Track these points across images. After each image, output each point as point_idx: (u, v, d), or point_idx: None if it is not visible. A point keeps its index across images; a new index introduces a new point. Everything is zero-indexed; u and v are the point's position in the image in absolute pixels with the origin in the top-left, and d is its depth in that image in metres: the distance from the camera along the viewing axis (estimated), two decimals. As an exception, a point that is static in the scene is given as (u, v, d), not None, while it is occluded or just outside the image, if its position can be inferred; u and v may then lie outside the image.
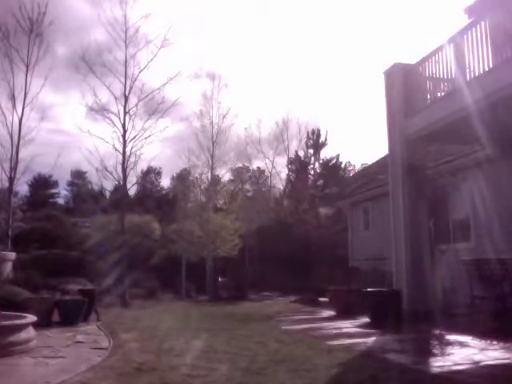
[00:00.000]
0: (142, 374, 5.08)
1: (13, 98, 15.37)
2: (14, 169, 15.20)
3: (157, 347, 6.66)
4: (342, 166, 36.62)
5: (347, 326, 9.13)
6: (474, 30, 7.92)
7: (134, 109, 16.74)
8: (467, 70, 8.16)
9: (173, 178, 38.06)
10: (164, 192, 44.48)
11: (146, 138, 16.68)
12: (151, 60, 16.78)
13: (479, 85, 7.68)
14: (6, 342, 6.07)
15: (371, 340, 7.41)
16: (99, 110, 16.73)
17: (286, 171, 35.30)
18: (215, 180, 21.95)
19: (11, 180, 15.25)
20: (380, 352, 6.39)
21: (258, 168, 37.03)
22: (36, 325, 7.06)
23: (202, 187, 21.58)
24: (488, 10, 7.97)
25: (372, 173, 17.87)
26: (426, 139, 9.73)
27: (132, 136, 16.56)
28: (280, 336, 7.75)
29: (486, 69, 7.66)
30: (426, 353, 6.42)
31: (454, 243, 11.25)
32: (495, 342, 6.66)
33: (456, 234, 11.49)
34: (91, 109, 16.83)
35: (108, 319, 10.14)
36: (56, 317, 9.57)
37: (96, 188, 36.16)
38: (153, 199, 39.03)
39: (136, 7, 16.92)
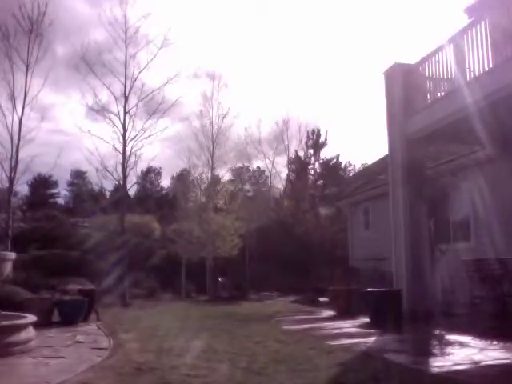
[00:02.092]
0: (142, 374, 5.08)
1: (13, 98, 15.36)
2: (13, 169, 15.19)
3: (157, 347, 6.66)
4: (342, 166, 36.66)
5: (347, 326, 9.14)
6: (474, 29, 7.92)
7: (134, 109, 16.76)
8: (467, 70, 8.16)
9: (173, 178, 38.10)
10: (164, 192, 44.54)
11: (145, 138, 16.69)
12: (151, 60, 16.78)
13: (479, 85, 7.68)
14: (6, 342, 6.08)
15: (371, 340, 7.41)
16: (99, 110, 16.75)
17: (286, 171, 35.31)
18: (215, 180, 21.89)
19: (11, 180, 15.24)
20: (380, 352, 6.39)
21: (258, 168, 37.03)
22: (36, 325, 7.06)
23: (202, 187, 21.53)
24: (488, 10, 7.97)
25: (372, 173, 17.85)
26: (426, 139, 9.73)
27: (132, 136, 16.58)
28: (280, 336, 7.75)
29: (486, 69, 7.66)
30: (425, 353, 6.41)
31: (454, 243, 11.24)
32: (495, 342, 6.66)
33: (456, 234, 11.49)
34: (91, 109, 16.86)
35: (108, 319, 10.14)
36: (56, 317, 9.57)
37: (96, 188, 36.23)
38: (153, 199, 39.09)
39: (136, 7, 16.93)
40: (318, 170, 35.01)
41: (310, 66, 48.54)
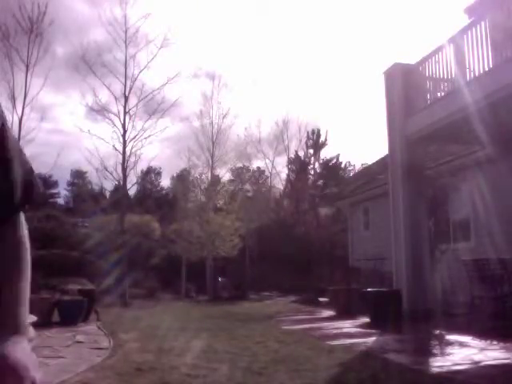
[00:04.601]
0: (142, 374, 5.08)
1: (13, 98, 15.34)
2: (13, 169, 15.18)
3: (157, 347, 6.66)
4: (342, 166, 36.64)
5: (347, 326, 9.13)
6: (473, 29, 7.92)
7: (134, 109, 16.81)
8: (467, 70, 8.16)
9: (173, 178, 38.04)
10: (164, 192, 44.50)
11: (145, 138, 16.76)
12: (151, 60, 16.85)
13: (479, 85, 7.68)
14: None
15: (371, 340, 7.41)
16: (99, 110, 16.79)
17: (286, 171, 35.30)
18: (215, 180, 21.92)
19: (11, 180, 15.23)
20: (380, 352, 6.39)
21: (258, 168, 37.00)
22: (36, 325, 7.05)
23: (202, 187, 21.55)
24: (488, 10, 7.97)
25: (372, 173, 17.86)
26: (426, 139, 9.73)
27: (132, 136, 16.64)
28: (280, 336, 7.75)
29: (486, 69, 7.66)
30: (425, 353, 6.41)
31: (454, 243, 11.25)
32: (495, 342, 6.65)
33: (456, 234, 11.49)
34: (91, 109, 16.90)
35: (108, 319, 10.14)
36: (56, 317, 9.57)
37: (96, 188, 36.13)
38: (153, 199, 39.06)
39: (136, 7, 17.07)
40: (318, 170, 35.00)
41: (309, 65, 48.62)
